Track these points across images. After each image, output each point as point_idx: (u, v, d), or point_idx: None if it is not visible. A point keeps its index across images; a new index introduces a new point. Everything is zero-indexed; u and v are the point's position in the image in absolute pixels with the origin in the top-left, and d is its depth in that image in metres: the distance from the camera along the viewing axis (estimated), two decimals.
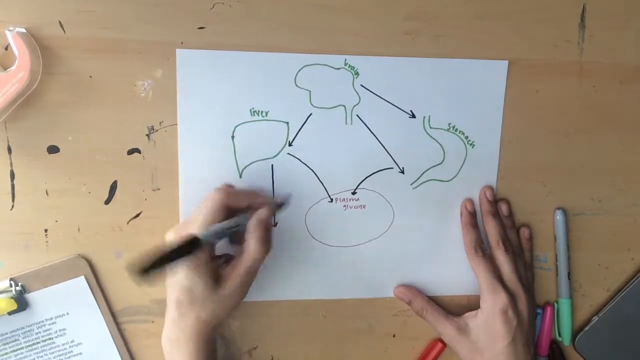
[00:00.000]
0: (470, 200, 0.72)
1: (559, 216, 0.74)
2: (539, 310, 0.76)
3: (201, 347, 0.62)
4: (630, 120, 0.73)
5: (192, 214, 0.63)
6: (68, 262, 0.66)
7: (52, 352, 0.68)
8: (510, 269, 0.69)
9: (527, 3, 0.68)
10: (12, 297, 0.64)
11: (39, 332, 0.67)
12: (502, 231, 0.71)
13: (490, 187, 0.71)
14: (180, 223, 0.66)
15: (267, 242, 0.62)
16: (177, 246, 0.56)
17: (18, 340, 0.66)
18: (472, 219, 0.71)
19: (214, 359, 0.64)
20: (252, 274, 0.62)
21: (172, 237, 0.61)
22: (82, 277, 0.66)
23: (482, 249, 0.70)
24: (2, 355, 0.66)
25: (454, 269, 0.74)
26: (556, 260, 0.75)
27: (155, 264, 0.53)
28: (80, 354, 0.68)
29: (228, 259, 0.65)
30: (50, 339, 0.67)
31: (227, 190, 0.63)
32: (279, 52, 0.65)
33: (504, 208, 0.72)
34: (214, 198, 0.61)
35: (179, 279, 0.60)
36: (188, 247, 0.56)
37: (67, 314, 0.67)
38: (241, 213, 0.62)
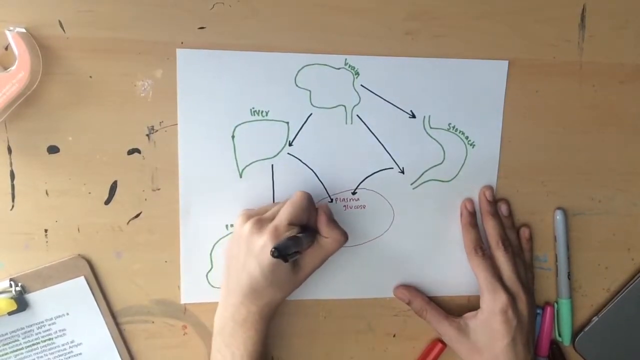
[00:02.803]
0: (470, 200, 0.72)
1: (558, 216, 0.74)
2: (538, 311, 0.76)
3: (266, 326, 0.65)
4: (630, 120, 0.73)
5: (264, 207, 0.67)
6: (68, 262, 0.66)
7: (52, 353, 0.67)
8: (510, 269, 0.69)
9: (527, 3, 0.68)
10: (12, 298, 0.64)
11: (39, 333, 0.67)
12: (502, 231, 0.71)
13: (490, 187, 0.71)
14: (249, 211, 0.67)
15: (344, 230, 0.65)
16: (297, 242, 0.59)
17: (18, 340, 0.66)
18: (472, 219, 0.71)
19: (268, 333, 0.67)
20: (326, 260, 0.65)
21: (244, 222, 0.63)
22: (82, 277, 0.66)
23: (482, 249, 0.70)
24: (2, 355, 0.66)
25: (454, 269, 0.74)
26: (556, 261, 0.75)
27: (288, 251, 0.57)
28: (80, 354, 0.68)
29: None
30: (50, 339, 0.67)
31: (310, 195, 0.64)
32: (279, 52, 0.65)
33: (503, 208, 0.72)
34: (303, 198, 0.63)
35: (261, 263, 0.61)
36: (296, 245, 0.59)
37: (67, 314, 0.67)
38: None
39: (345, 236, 0.64)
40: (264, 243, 0.60)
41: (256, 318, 0.63)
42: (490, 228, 0.71)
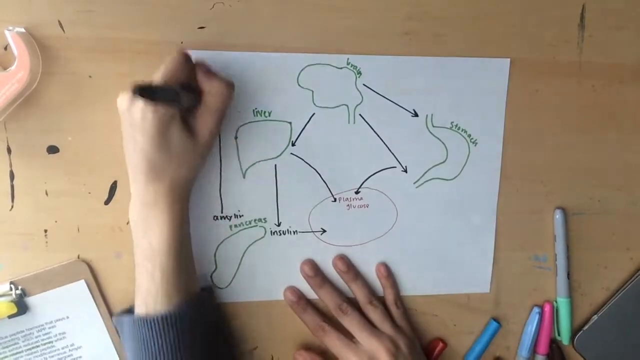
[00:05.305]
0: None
1: (558, 216, 0.74)
2: (538, 310, 0.76)
3: (180, 207, 0.61)
4: (630, 120, 0.73)
5: None
6: (68, 266, 0.65)
7: (52, 356, 0.67)
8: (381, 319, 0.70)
9: (527, 3, 0.68)
10: (12, 301, 0.64)
11: (39, 336, 0.66)
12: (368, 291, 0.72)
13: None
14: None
15: (227, 80, 0.61)
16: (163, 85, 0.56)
17: (18, 343, 0.66)
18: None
19: (188, 217, 0.63)
20: (222, 116, 0.62)
21: (125, 98, 0.58)
22: (83, 280, 0.66)
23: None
24: (2, 358, 0.66)
25: (456, 267, 0.74)
26: (555, 260, 0.75)
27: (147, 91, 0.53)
28: (80, 357, 0.68)
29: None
30: (50, 342, 0.67)
31: (187, 53, 0.60)
32: (281, 52, 0.65)
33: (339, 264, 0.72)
34: (178, 55, 0.59)
35: (145, 131, 0.57)
36: (168, 94, 0.55)
37: (67, 317, 0.66)
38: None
39: (228, 84, 0.61)
40: (141, 108, 0.56)
41: (167, 199, 0.59)
42: (357, 291, 0.72)
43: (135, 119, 0.56)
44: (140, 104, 0.56)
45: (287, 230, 0.69)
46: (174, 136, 0.58)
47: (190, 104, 0.60)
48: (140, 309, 0.60)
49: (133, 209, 0.61)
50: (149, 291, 0.60)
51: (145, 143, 0.57)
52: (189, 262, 0.64)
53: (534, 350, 0.77)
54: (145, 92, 0.52)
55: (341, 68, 0.66)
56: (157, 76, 0.58)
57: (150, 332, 0.59)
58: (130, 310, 0.63)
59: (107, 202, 0.66)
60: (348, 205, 0.70)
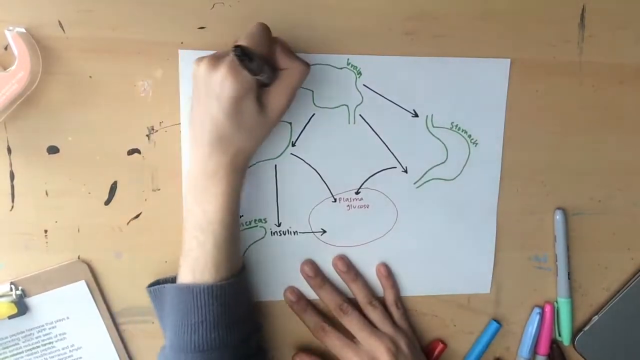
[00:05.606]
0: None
1: (558, 216, 0.74)
2: (538, 310, 0.76)
3: (239, 177, 0.61)
4: (630, 120, 0.73)
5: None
6: (68, 266, 0.65)
7: (52, 356, 0.67)
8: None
9: (527, 3, 0.68)
10: (12, 301, 0.63)
11: (39, 336, 0.66)
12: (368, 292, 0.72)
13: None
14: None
15: (304, 60, 0.61)
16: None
17: (18, 344, 0.66)
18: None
19: (242, 189, 0.63)
20: (295, 94, 0.61)
21: (199, 63, 0.58)
22: (83, 281, 0.66)
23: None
24: (3, 359, 0.66)
25: (456, 268, 0.74)
26: (556, 260, 0.75)
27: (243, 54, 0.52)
28: (80, 358, 0.68)
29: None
30: (50, 343, 0.67)
31: (267, 26, 0.59)
32: None
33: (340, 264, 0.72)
34: (260, 27, 0.58)
35: (222, 102, 0.56)
36: (254, 65, 0.54)
37: (67, 318, 0.66)
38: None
39: (306, 64, 0.61)
40: (222, 77, 0.55)
41: (227, 170, 0.59)
42: (357, 291, 0.71)
43: (214, 86, 0.56)
44: (221, 72, 0.55)
45: (287, 230, 0.69)
46: (246, 108, 0.57)
47: (268, 80, 0.59)
48: (185, 277, 0.61)
49: (191, 175, 0.61)
50: (197, 259, 0.60)
51: (217, 112, 0.57)
52: (238, 234, 0.64)
53: (534, 350, 0.77)
54: (240, 54, 0.52)
55: (341, 68, 0.66)
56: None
57: (195, 300, 0.59)
58: (158, 282, 0.65)
59: (107, 202, 0.66)
60: (348, 205, 0.70)
